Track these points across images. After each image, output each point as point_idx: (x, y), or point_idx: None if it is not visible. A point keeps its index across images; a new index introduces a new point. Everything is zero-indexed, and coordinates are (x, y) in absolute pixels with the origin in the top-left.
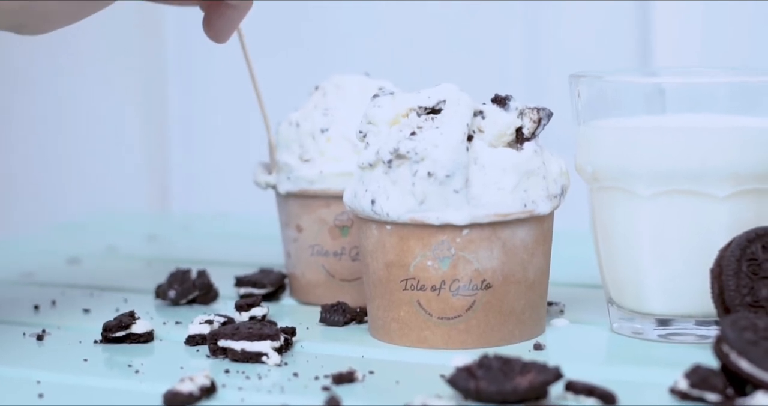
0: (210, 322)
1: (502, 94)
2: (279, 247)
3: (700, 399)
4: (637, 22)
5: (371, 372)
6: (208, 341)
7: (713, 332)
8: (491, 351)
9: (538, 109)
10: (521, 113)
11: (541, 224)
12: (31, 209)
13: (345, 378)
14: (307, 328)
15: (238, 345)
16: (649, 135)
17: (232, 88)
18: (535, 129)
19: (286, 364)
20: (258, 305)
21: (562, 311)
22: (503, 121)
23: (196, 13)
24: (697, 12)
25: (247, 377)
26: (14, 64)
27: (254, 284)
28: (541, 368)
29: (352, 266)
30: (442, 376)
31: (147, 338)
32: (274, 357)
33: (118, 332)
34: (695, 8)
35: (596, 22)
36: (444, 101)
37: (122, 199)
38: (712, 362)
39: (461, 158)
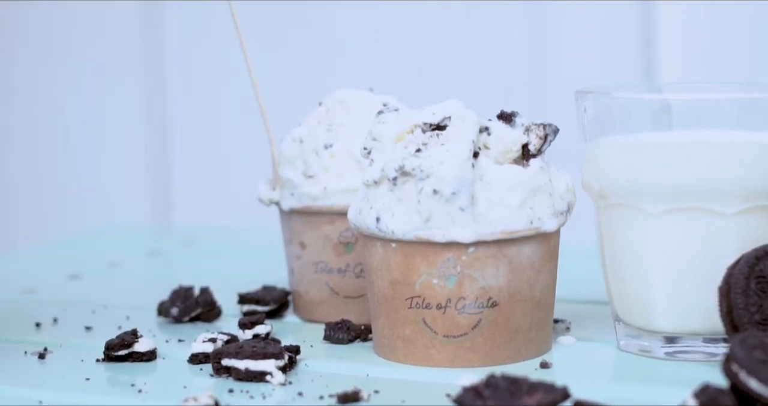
0: (213, 340)
1: (508, 110)
2: (282, 263)
3: None
4: (640, 31)
5: (376, 391)
6: (211, 360)
7: (721, 349)
8: (498, 370)
9: (545, 126)
10: (527, 130)
11: (547, 241)
12: (32, 224)
13: (350, 398)
14: (311, 346)
15: (242, 364)
16: (657, 152)
17: (235, 103)
18: (542, 145)
19: (290, 383)
20: (262, 322)
21: (568, 329)
22: (509, 138)
23: (199, 28)
24: (702, 20)
25: (252, 397)
26: (15, 78)
27: (257, 301)
28: (549, 387)
29: (357, 282)
30: (448, 395)
31: (150, 356)
32: (279, 376)
33: (121, 350)
34: (700, 16)
35: (599, 33)
36: (449, 118)
37: (124, 214)
38: (720, 380)
39: (467, 175)
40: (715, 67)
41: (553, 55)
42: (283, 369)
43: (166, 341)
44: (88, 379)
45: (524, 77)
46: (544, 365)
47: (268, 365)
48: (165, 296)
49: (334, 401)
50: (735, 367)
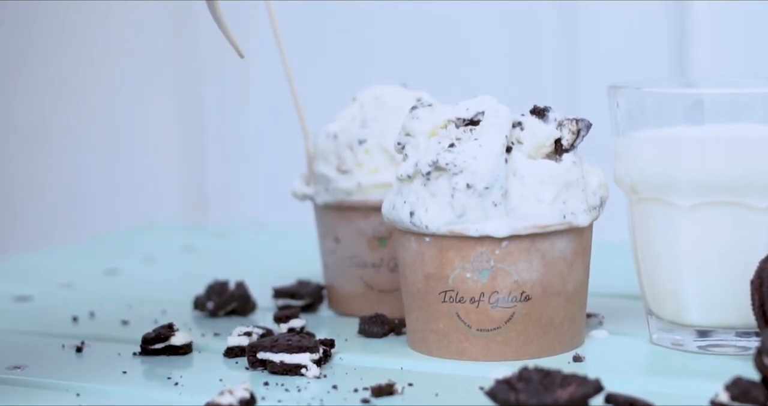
0: (249, 334)
1: (541, 105)
2: (316, 258)
3: None
4: (672, 26)
5: (410, 385)
6: (247, 353)
7: (754, 343)
8: (531, 363)
9: (577, 121)
10: (560, 124)
11: (580, 235)
12: (70, 220)
13: (384, 391)
14: (346, 340)
15: (277, 357)
16: (689, 146)
17: (269, 98)
18: (574, 140)
19: (325, 376)
20: (296, 316)
21: (601, 323)
22: (542, 133)
23: (233, 24)
24: (735, 16)
25: (287, 390)
26: (54, 76)
27: (292, 296)
28: (582, 380)
29: (391, 277)
30: (482, 388)
31: (186, 350)
32: (314, 369)
33: (157, 344)
34: (732, 12)
35: (631, 28)
36: (482, 113)
37: (159, 210)
38: (752, 374)
39: (500, 170)
40: (748, 64)
41: (584, 51)
42: (318, 362)
43: (202, 335)
44: (125, 372)
45: (556, 73)
46: (577, 359)
47: (303, 358)
48: (200, 290)
49: (368, 394)
50: (767, 360)
